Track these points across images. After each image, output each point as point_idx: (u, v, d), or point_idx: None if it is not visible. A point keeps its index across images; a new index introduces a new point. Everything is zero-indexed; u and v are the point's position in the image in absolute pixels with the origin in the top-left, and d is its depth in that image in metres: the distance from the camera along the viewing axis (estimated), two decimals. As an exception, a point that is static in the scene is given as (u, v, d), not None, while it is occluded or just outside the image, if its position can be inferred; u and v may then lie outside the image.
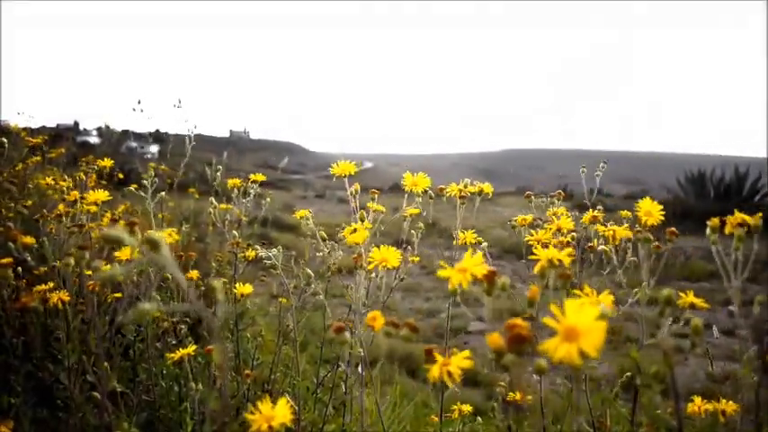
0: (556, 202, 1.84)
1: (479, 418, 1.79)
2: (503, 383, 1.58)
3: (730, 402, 1.18)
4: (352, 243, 1.55)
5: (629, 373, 1.33)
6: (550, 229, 1.55)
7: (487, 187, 1.75)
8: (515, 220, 1.77)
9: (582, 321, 0.61)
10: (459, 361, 0.81)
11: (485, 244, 1.62)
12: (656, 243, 1.44)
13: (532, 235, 1.60)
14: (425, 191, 1.74)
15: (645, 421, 1.02)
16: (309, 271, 1.80)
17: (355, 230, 1.57)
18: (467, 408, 1.80)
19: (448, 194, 1.72)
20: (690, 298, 1.00)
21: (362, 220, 1.67)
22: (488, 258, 1.45)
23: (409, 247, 1.77)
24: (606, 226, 1.52)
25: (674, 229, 1.26)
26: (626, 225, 1.48)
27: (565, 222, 1.55)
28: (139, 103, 3.87)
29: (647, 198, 1.30)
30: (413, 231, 1.82)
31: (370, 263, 1.41)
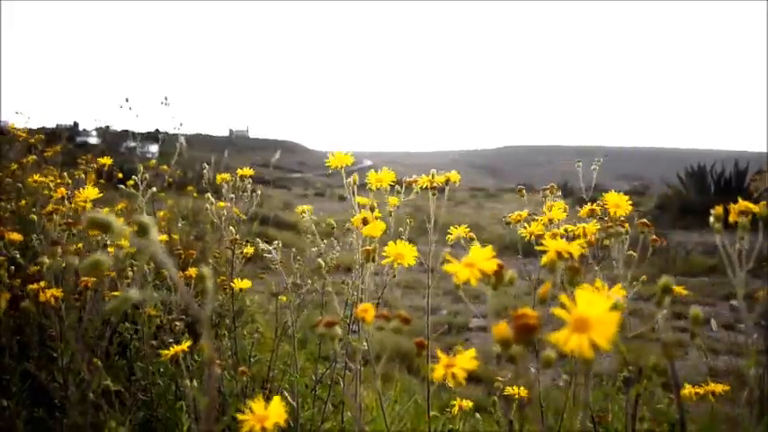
0: (549, 195, 1.80)
1: (478, 415, 1.78)
2: (501, 378, 1.56)
3: (718, 385, 1.17)
4: (367, 235, 1.47)
5: (631, 368, 1.32)
6: (542, 221, 1.51)
7: (454, 176, 1.68)
8: (509, 217, 1.75)
9: (594, 312, 0.59)
10: (465, 362, 0.78)
11: (451, 238, 1.58)
12: (655, 237, 1.41)
13: (526, 229, 1.57)
14: (390, 183, 1.68)
15: (646, 415, 1.01)
16: (321, 260, 1.75)
17: (365, 220, 1.49)
18: (467, 404, 1.77)
19: (418, 186, 1.67)
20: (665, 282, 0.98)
21: (373, 210, 1.62)
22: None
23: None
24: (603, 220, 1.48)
25: (645, 220, 1.25)
26: (594, 220, 1.45)
27: (557, 213, 1.51)
28: (127, 101, 3.85)
29: (613, 191, 1.29)
30: (401, 229, 1.77)
31: (384, 257, 1.32)
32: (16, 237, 1.51)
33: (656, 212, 11.41)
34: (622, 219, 1.35)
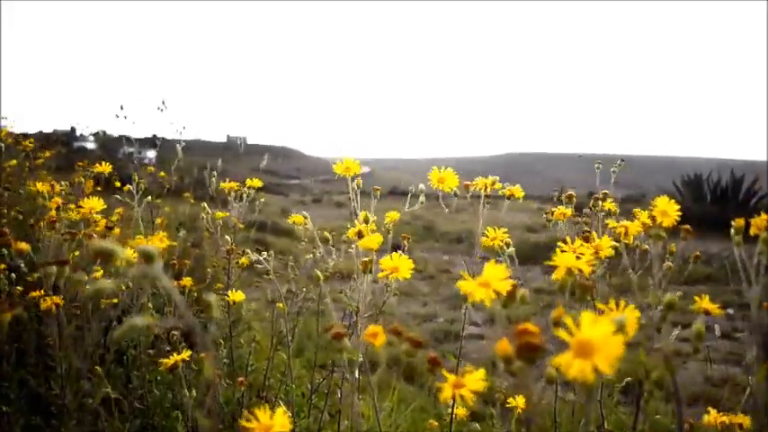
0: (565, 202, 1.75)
1: (477, 425, 1.77)
2: (501, 390, 1.55)
3: (746, 417, 1.13)
4: (364, 248, 1.45)
5: (628, 378, 1.31)
6: (587, 246, 1.42)
7: (517, 191, 1.66)
8: (550, 213, 1.68)
9: (597, 335, 0.57)
10: (474, 383, 0.76)
11: (511, 249, 1.52)
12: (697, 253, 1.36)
13: (566, 242, 1.48)
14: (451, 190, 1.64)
15: (646, 428, 1.00)
16: (319, 273, 1.73)
17: (360, 233, 1.47)
18: (462, 412, 1.77)
19: (474, 189, 1.63)
20: (704, 303, 0.96)
21: (367, 222, 1.61)
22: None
23: (401, 251, 1.72)
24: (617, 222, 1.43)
25: (688, 226, 1.19)
26: (637, 222, 1.40)
27: (606, 242, 1.40)
28: (122, 108, 3.83)
29: (665, 197, 1.22)
30: (404, 241, 1.76)
31: (380, 270, 1.27)
32: (24, 246, 1.49)
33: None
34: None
